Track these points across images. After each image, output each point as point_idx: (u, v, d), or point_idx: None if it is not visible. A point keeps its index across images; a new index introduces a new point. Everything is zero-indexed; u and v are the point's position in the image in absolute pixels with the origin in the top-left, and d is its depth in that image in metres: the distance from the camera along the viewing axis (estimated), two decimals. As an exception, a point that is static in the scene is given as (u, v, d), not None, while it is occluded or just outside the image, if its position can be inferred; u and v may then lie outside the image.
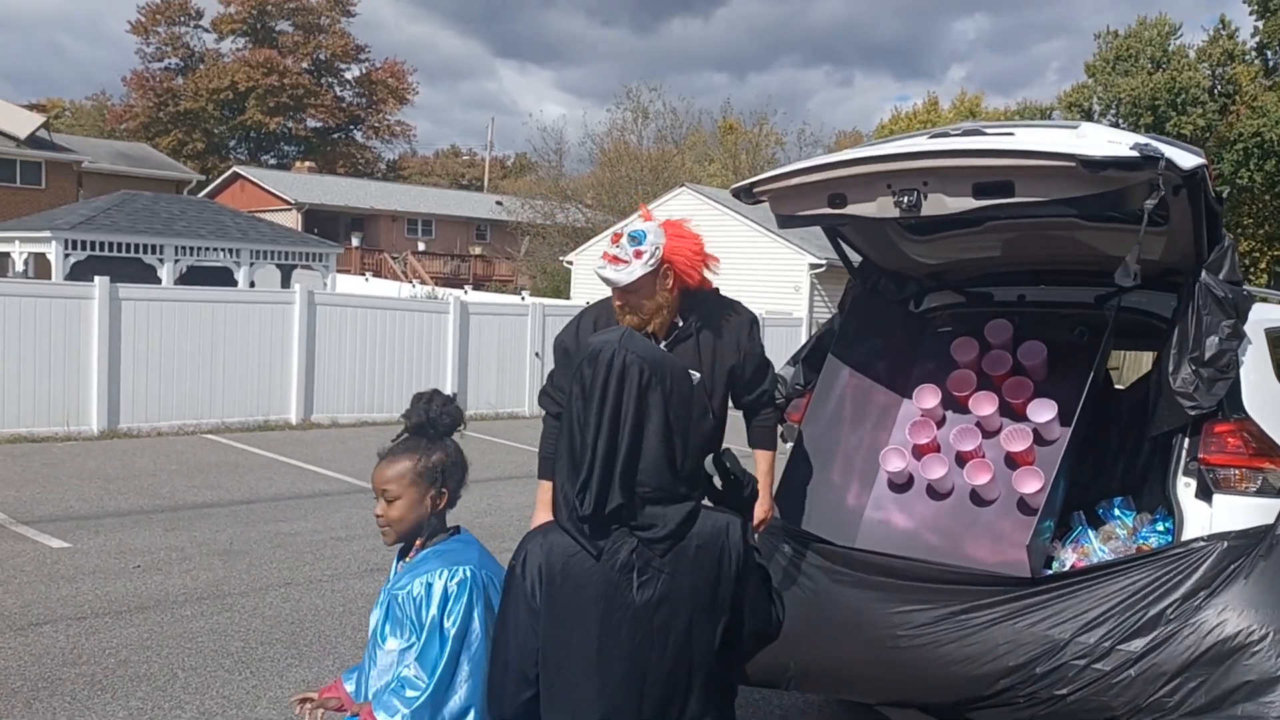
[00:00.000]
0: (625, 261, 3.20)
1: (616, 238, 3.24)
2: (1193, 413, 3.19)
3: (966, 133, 3.38)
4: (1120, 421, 3.91)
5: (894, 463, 3.83)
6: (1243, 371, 3.30)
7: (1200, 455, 3.22)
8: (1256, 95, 32.53)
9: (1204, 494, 3.22)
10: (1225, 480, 3.21)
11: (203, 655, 4.93)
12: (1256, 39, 34.40)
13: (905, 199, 3.20)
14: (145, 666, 4.74)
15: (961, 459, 3.79)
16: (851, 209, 3.37)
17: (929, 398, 3.94)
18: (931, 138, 3.42)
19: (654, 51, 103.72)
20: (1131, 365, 9.40)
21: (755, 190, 3.56)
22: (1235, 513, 3.17)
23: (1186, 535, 3.19)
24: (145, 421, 11.95)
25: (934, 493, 3.83)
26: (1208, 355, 3.14)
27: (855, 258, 4.16)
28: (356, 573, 6.50)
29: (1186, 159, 2.94)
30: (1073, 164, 2.85)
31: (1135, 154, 2.81)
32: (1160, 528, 3.44)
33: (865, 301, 4.14)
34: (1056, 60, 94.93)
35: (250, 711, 4.33)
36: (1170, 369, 3.24)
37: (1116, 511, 3.57)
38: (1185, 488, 3.25)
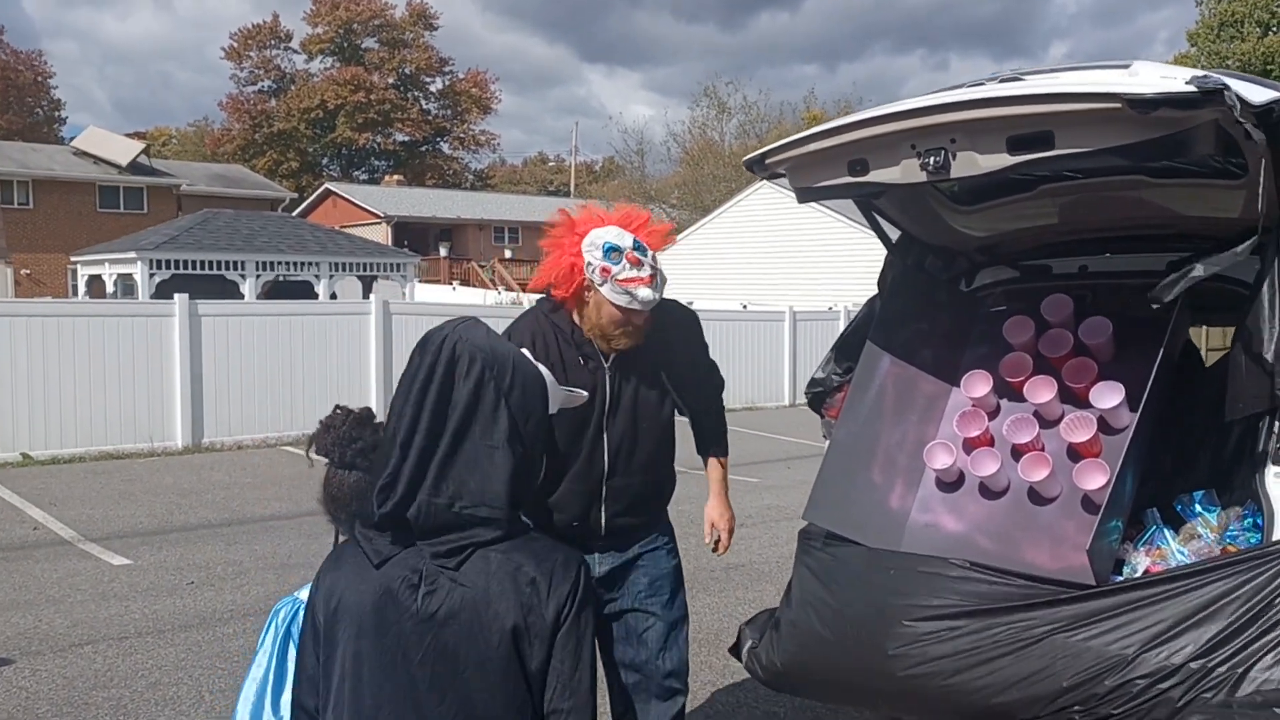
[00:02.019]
0: (655, 277, 2.83)
1: (633, 257, 2.79)
2: (1280, 394, 2.73)
3: (1004, 80, 2.97)
4: (1204, 404, 3.42)
5: (940, 459, 3.43)
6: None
7: (1292, 441, 2.76)
8: (1379, 52, 30.44)
9: (1298, 486, 2.75)
10: (1324, 469, 2.74)
11: (234, 676, 4.78)
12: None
13: (932, 159, 2.81)
14: (174, 689, 4.62)
15: (1017, 452, 3.36)
16: (874, 175, 2.99)
17: (979, 385, 3.52)
18: (968, 88, 3.02)
19: (742, 47, 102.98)
20: (1218, 341, 8.68)
21: (769, 161, 3.20)
22: (1337, 507, 2.71)
23: (1278, 534, 2.74)
24: (228, 435, 12.13)
25: (987, 491, 3.41)
26: (1295, 325, 2.68)
27: (893, 233, 3.77)
28: (407, 585, 6.32)
29: (1259, 93, 2.48)
30: (1119, 105, 2.43)
31: (1193, 89, 2.38)
32: (1251, 525, 2.97)
33: (907, 281, 3.74)
34: (1165, 30, 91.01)
35: (270, 736, 4.15)
36: (1253, 342, 2.79)
37: (1198, 508, 3.10)
38: (1275, 479, 2.79)
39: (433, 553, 1.73)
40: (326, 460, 2.15)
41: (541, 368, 1.93)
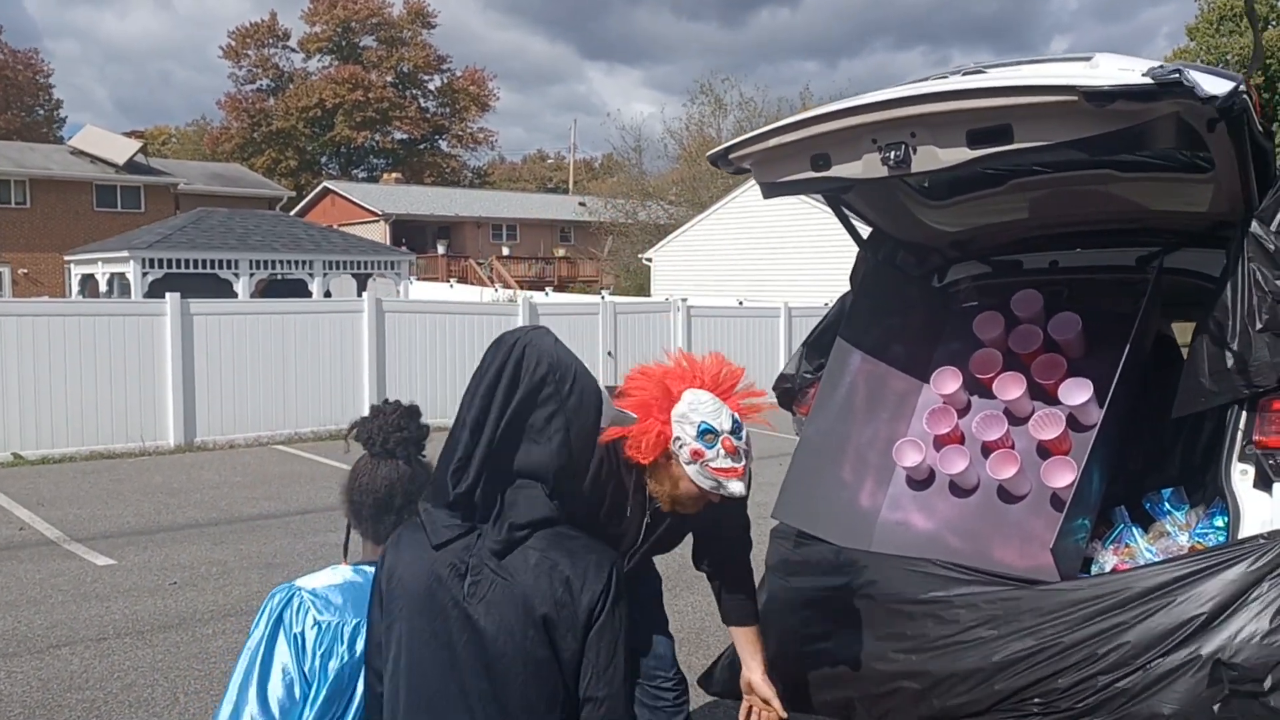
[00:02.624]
0: (747, 470, 2.41)
1: (730, 445, 2.34)
2: (1246, 391, 2.70)
3: (966, 73, 2.93)
4: (1173, 401, 3.39)
5: (910, 457, 3.40)
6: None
7: (1257, 437, 2.73)
8: (1378, 45, 30.33)
9: (1263, 482, 2.73)
10: (1288, 466, 2.71)
11: (211, 678, 4.76)
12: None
13: (893, 154, 2.78)
14: (149, 690, 4.60)
15: (986, 450, 3.34)
16: (836, 169, 2.96)
17: (949, 382, 3.49)
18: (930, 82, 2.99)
19: (743, 43, 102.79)
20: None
21: (732, 156, 3.18)
22: (1303, 504, 2.68)
23: (1244, 531, 2.71)
24: (220, 434, 12.09)
25: (956, 489, 3.39)
26: (1258, 321, 2.65)
27: (865, 229, 3.74)
28: (390, 584, 6.30)
29: (1216, 84, 2.45)
30: (1075, 98, 2.40)
31: (1149, 81, 2.34)
32: (1219, 523, 2.94)
33: (879, 277, 3.72)
34: (1166, 25, 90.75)
35: (242, 738, 4.13)
36: (1216, 337, 2.76)
37: (1167, 505, 3.08)
38: (1241, 475, 2.76)
39: (490, 547, 1.85)
40: (364, 448, 2.18)
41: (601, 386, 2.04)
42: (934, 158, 2.74)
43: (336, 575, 2.17)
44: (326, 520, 8.12)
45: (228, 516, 8.31)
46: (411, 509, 2.09)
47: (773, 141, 3.03)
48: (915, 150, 2.75)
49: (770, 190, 3.22)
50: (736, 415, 2.40)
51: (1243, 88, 2.49)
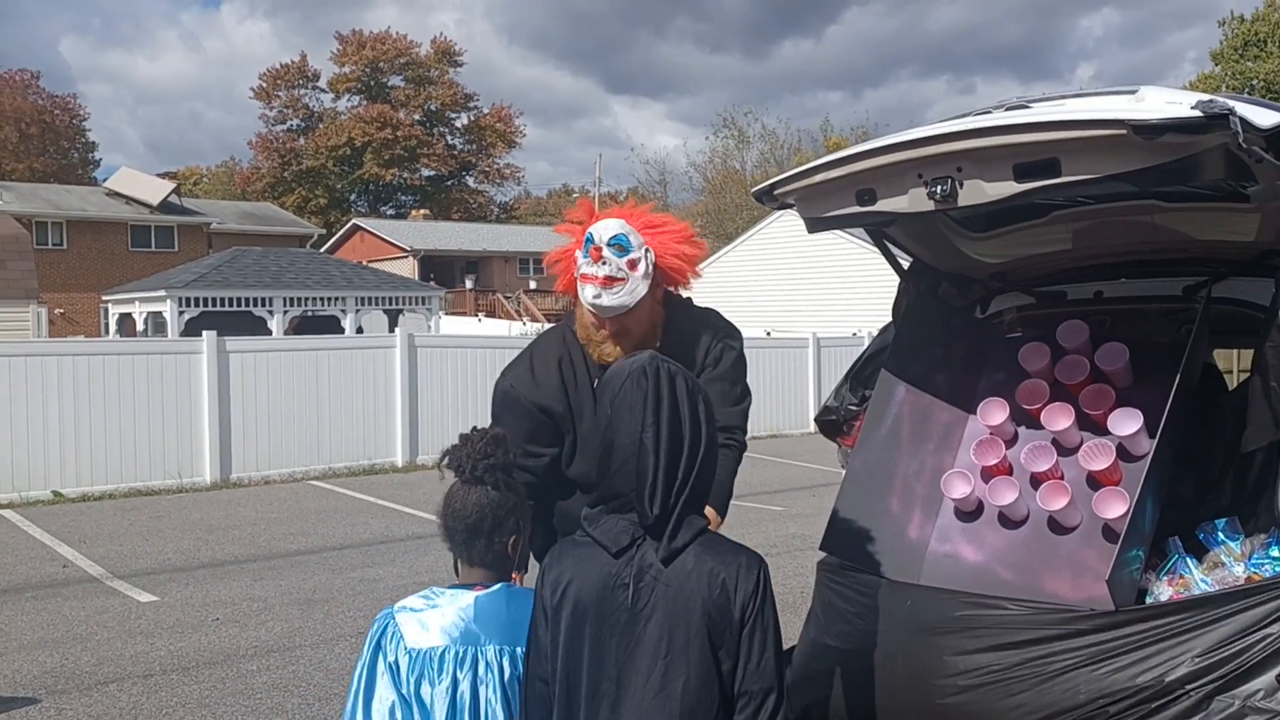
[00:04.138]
0: (621, 280, 2.58)
1: (596, 251, 2.55)
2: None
3: (1010, 108, 2.96)
4: (1226, 430, 3.38)
5: (958, 488, 3.40)
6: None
7: (1314, 466, 2.72)
8: (1407, 68, 30.13)
9: (1322, 512, 2.71)
10: (1347, 495, 2.69)
11: (257, 713, 4.79)
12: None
13: (939, 188, 2.81)
14: (197, 726, 4.64)
15: (1035, 481, 3.33)
16: (882, 204, 2.99)
17: (996, 413, 3.49)
18: (975, 116, 3.02)
19: (766, 75, 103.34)
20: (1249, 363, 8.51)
21: (777, 192, 3.21)
22: (1362, 533, 2.66)
23: (1304, 562, 2.69)
24: (255, 471, 12.21)
25: (1006, 520, 3.37)
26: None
27: (906, 260, 3.76)
28: (430, 619, 6.31)
29: (1266, 116, 2.46)
30: (1124, 131, 2.42)
31: (1199, 114, 2.36)
32: (1276, 553, 2.92)
33: (922, 308, 3.73)
34: (1192, 50, 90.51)
35: (291, 774, 4.16)
36: (1273, 368, 2.75)
37: (1221, 535, 3.06)
38: (1300, 506, 2.74)
39: (659, 556, 1.93)
40: (455, 475, 2.25)
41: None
42: (981, 192, 2.77)
43: (432, 600, 2.23)
44: (364, 556, 8.17)
45: (266, 553, 8.37)
46: (501, 532, 2.22)
47: (819, 177, 3.06)
48: (962, 185, 2.78)
49: (815, 225, 3.25)
50: (630, 237, 2.58)
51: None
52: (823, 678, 3.22)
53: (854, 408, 3.72)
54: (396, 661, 2.16)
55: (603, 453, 2.01)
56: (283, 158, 55.86)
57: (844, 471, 3.60)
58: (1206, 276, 3.33)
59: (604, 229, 2.62)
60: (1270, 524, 2.95)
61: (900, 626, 3.11)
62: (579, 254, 2.61)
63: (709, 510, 2.90)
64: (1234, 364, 8.46)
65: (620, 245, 2.60)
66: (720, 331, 2.94)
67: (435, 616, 2.19)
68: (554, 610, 1.98)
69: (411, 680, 2.14)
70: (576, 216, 2.72)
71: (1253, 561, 2.94)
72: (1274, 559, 2.89)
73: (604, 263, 2.58)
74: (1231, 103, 2.41)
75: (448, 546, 2.28)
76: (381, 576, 7.45)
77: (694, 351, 2.84)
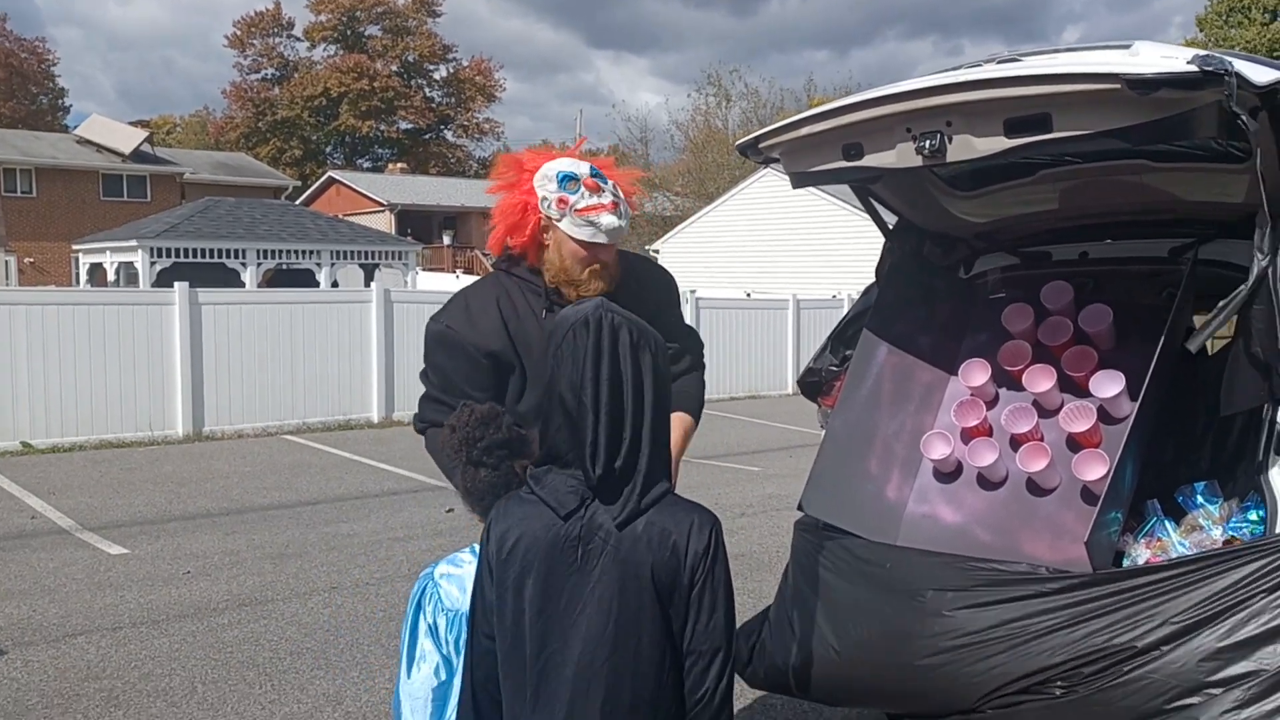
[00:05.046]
0: (620, 204, 2.56)
1: (591, 183, 2.52)
2: (1288, 385, 2.67)
3: (1002, 62, 2.90)
4: (1207, 394, 3.36)
5: (938, 449, 3.38)
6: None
7: (1296, 431, 2.70)
8: (1389, 37, 30.20)
9: (1302, 477, 2.70)
10: (1329, 460, 2.68)
11: (228, 667, 4.75)
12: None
13: (927, 143, 2.75)
14: (167, 680, 4.59)
15: (1015, 442, 3.31)
16: (869, 159, 2.93)
17: (978, 374, 3.46)
18: (965, 70, 2.95)
19: (752, 32, 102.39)
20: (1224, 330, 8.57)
21: (762, 145, 3.14)
22: (1341, 498, 2.65)
23: (1281, 527, 2.68)
24: (229, 424, 12.09)
25: (985, 482, 3.36)
26: (1301, 313, 2.61)
27: (891, 219, 3.70)
28: (406, 575, 6.28)
29: (1262, 73, 2.41)
30: (1117, 86, 2.36)
31: (1194, 69, 2.31)
32: (1253, 517, 2.91)
33: (905, 268, 3.68)
34: (1179, 15, 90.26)
35: (261, 728, 4.13)
36: (1255, 331, 2.73)
37: (1200, 499, 3.05)
38: (1279, 470, 2.73)
39: (613, 519, 1.89)
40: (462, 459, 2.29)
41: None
42: (970, 147, 2.71)
43: (466, 562, 2.36)
44: (338, 510, 8.12)
45: (239, 506, 8.30)
46: None
47: (804, 131, 3.00)
48: (951, 140, 2.72)
49: (800, 180, 3.19)
50: (600, 170, 2.58)
51: (1288, 76, 2.45)
52: (799, 637, 3.21)
53: (835, 368, 3.68)
54: (435, 623, 2.32)
55: (545, 407, 1.97)
56: (257, 108, 54.89)
57: (823, 432, 3.57)
58: (1193, 238, 3.30)
59: (575, 165, 2.58)
60: (1249, 488, 2.94)
61: (878, 587, 3.09)
62: (565, 194, 2.54)
63: (681, 415, 2.90)
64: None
65: (600, 177, 2.59)
66: (655, 264, 3.03)
67: (469, 575, 2.29)
68: (500, 567, 1.95)
69: (450, 639, 2.30)
70: (510, 170, 2.66)
71: (1231, 525, 2.94)
72: (1252, 522, 2.88)
73: (602, 191, 2.55)
74: (1229, 59, 2.36)
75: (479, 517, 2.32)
76: (356, 532, 7.41)
77: (648, 283, 2.86)
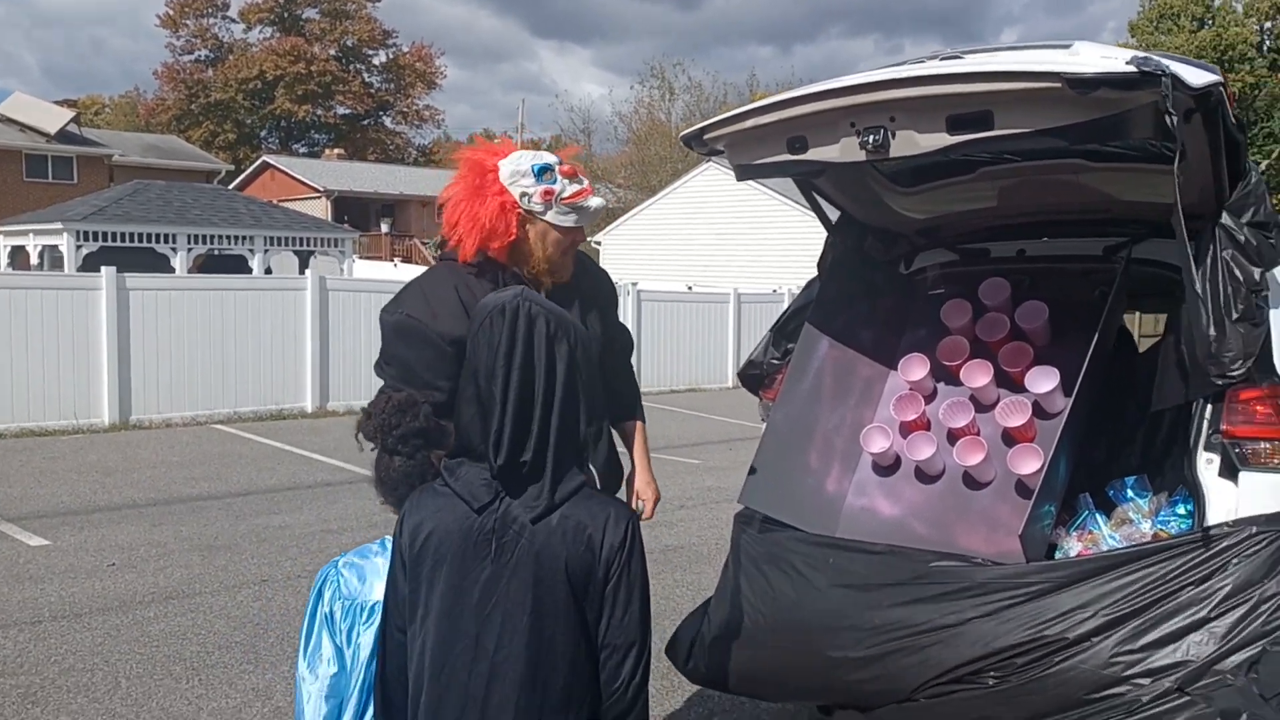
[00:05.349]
0: (593, 190, 2.71)
1: (566, 170, 2.63)
2: (1218, 381, 2.73)
3: (945, 59, 2.92)
4: (1138, 390, 3.44)
5: (877, 443, 3.40)
6: (1274, 329, 2.83)
7: (1224, 427, 2.76)
8: (1308, 48, 31.24)
9: (1229, 472, 2.76)
10: (1254, 455, 2.75)
11: (153, 661, 4.63)
12: (1307, -11, 33.02)
13: (871, 138, 2.76)
14: (89, 675, 4.45)
15: (953, 436, 3.35)
16: (813, 153, 2.93)
17: (917, 369, 3.50)
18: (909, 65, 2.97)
19: (696, 25, 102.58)
20: (1149, 328, 8.83)
21: (707, 137, 3.13)
22: (1265, 493, 2.72)
23: (1209, 520, 2.74)
24: (156, 413, 11.77)
25: (922, 475, 3.40)
26: (1230, 314, 2.67)
27: (834, 214, 3.72)
28: (338, 567, 6.17)
29: (1197, 75, 2.46)
30: (1058, 84, 2.39)
31: (1132, 70, 2.35)
32: (1181, 511, 2.99)
33: (847, 263, 3.70)
34: (1113, 20, 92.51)
35: (188, 725, 4.02)
36: (1187, 329, 2.79)
37: (1129, 493, 3.11)
38: (1207, 465, 2.80)
39: (527, 512, 1.86)
40: (372, 446, 2.29)
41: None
42: (913, 143, 2.72)
43: (372, 553, 2.36)
44: (269, 502, 7.96)
45: (166, 497, 8.09)
46: None
47: (749, 123, 2.99)
48: (894, 135, 2.73)
49: (744, 173, 3.18)
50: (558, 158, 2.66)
51: (1221, 80, 2.51)
52: (738, 630, 3.21)
53: (776, 361, 3.69)
54: (332, 611, 2.32)
55: (460, 397, 1.94)
56: (190, 89, 53.46)
57: (764, 425, 3.57)
58: (1127, 238, 3.36)
59: (539, 155, 2.66)
60: (1178, 482, 3.01)
61: (816, 580, 3.10)
62: (547, 186, 2.59)
63: (637, 424, 3.07)
64: (1135, 328, 8.72)
65: (559, 161, 2.67)
66: (603, 275, 3.07)
67: (371, 567, 2.32)
68: (413, 560, 1.92)
69: (344, 628, 2.30)
70: (472, 173, 2.65)
71: (1160, 519, 3.00)
72: (1180, 516, 2.95)
73: (579, 176, 2.66)
74: (1166, 61, 2.40)
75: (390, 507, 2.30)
76: (288, 524, 7.27)
77: (599, 280, 2.98)
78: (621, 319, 3.03)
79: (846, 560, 3.09)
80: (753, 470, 3.34)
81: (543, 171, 2.57)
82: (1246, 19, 32.60)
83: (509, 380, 1.85)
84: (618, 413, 3.03)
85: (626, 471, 3.06)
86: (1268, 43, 32.61)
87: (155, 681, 4.40)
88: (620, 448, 3.05)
